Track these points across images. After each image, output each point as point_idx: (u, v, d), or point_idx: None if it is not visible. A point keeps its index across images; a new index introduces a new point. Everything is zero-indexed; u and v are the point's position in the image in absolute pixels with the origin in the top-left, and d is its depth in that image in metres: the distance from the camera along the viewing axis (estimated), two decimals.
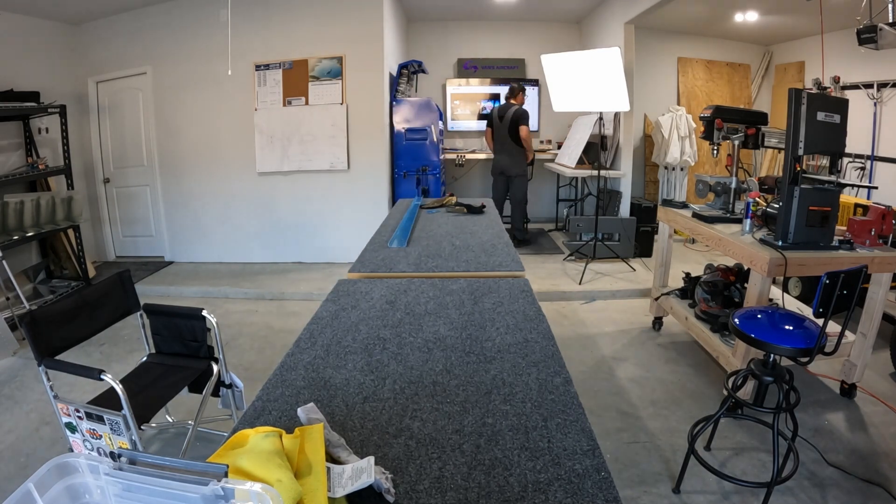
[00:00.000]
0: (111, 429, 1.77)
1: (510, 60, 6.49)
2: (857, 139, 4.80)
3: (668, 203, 3.46)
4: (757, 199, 2.71)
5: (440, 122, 5.09)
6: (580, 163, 5.35)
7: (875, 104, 4.82)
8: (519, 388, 1.06)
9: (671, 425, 2.47)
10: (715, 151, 3.07)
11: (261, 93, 4.80)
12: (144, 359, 2.26)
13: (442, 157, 5.27)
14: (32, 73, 4.35)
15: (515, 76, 6.50)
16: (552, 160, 6.01)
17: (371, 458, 0.80)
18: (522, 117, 5.01)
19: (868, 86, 4.83)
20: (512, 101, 5.16)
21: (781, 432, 1.97)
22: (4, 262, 3.49)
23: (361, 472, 0.77)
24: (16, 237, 3.74)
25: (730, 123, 2.98)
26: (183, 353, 2.23)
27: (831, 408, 2.62)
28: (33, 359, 1.81)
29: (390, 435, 0.92)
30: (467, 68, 6.46)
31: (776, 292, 3.02)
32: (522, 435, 0.90)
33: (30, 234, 3.87)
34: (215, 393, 2.18)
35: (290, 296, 4.35)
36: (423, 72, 5.66)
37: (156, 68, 4.89)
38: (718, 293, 2.96)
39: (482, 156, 6.17)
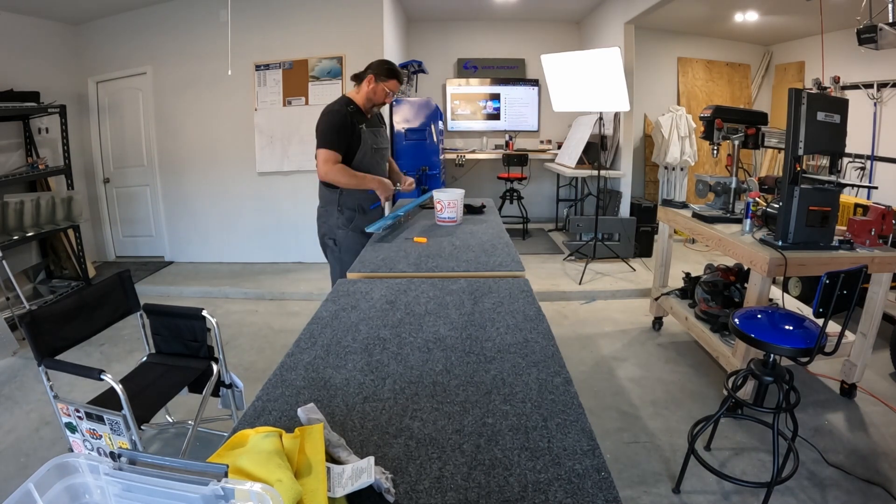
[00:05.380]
0: (111, 429, 1.77)
1: (510, 60, 6.49)
2: (857, 139, 4.79)
3: (668, 203, 3.46)
4: (757, 199, 2.71)
5: (440, 122, 5.09)
6: (580, 163, 5.35)
7: (875, 104, 4.82)
8: (519, 388, 1.06)
9: (671, 425, 2.47)
10: (715, 151, 3.07)
11: (261, 93, 4.80)
12: (144, 359, 2.26)
13: (442, 157, 5.27)
14: (32, 73, 4.35)
15: (515, 76, 6.50)
16: (552, 160, 6.01)
17: (371, 458, 0.79)
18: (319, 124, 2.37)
19: (868, 86, 4.83)
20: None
21: (781, 432, 1.97)
22: (4, 262, 3.49)
23: (361, 472, 0.77)
24: (16, 237, 3.74)
25: (730, 123, 2.98)
26: (183, 353, 2.22)
27: (831, 408, 2.62)
28: (33, 359, 1.81)
29: (390, 435, 0.92)
30: (467, 68, 6.46)
31: (776, 292, 3.02)
32: (522, 435, 0.90)
33: (30, 234, 3.87)
34: (215, 393, 2.18)
35: (290, 296, 4.35)
36: (423, 72, 5.66)
37: (156, 68, 4.89)
38: (718, 293, 2.96)
39: (482, 156, 6.17)
